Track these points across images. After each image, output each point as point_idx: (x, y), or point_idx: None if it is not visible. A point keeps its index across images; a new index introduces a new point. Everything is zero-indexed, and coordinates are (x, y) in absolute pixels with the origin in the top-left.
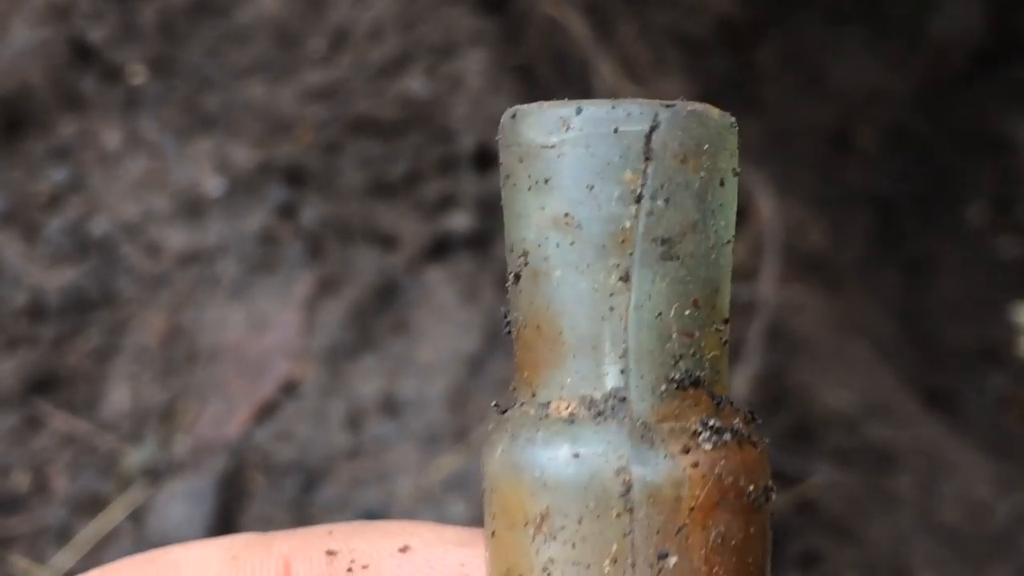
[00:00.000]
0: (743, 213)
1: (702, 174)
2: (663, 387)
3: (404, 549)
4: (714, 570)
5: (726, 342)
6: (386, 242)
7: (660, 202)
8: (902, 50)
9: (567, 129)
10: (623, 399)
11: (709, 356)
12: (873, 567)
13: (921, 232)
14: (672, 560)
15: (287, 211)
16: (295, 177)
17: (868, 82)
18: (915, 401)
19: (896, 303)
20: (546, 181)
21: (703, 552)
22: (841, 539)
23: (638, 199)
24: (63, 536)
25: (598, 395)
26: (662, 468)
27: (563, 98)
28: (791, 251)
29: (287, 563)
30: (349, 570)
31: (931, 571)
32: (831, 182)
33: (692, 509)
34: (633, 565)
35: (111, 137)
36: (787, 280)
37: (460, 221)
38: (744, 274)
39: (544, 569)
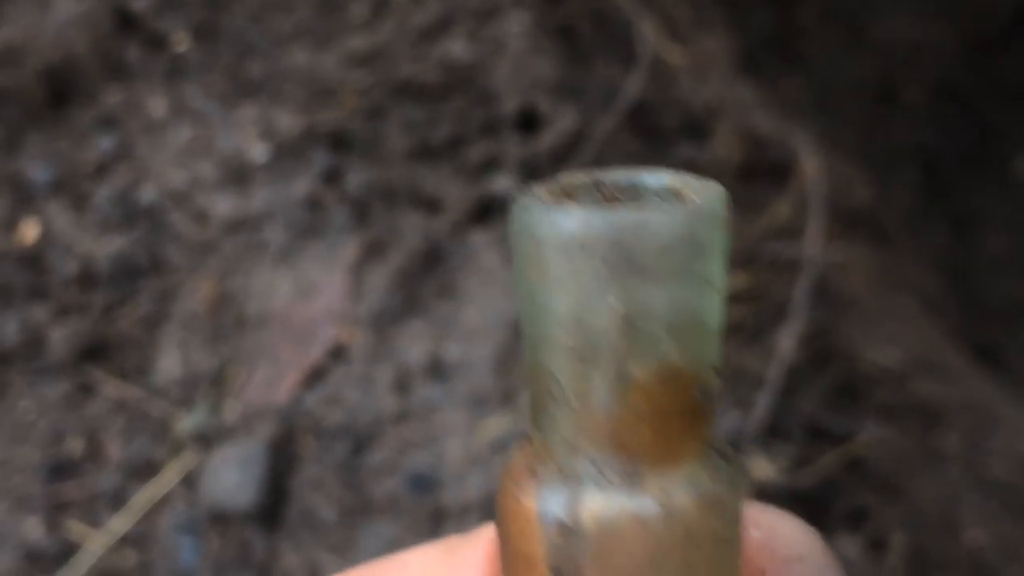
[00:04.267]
0: (789, 171)
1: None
2: None
3: None
4: None
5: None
6: (431, 206)
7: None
8: (947, 4)
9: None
10: None
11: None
12: (921, 523)
13: (967, 186)
14: None
15: (332, 176)
16: (340, 142)
17: (913, 36)
18: (962, 356)
19: (942, 258)
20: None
21: None
22: (889, 496)
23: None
24: (117, 500)
25: None
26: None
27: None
28: (836, 207)
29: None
30: None
31: (980, 526)
32: (876, 138)
33: None
34: None
35: (156, 105)
36: (833, 237)
37: (504, 183)
38: (789, 232)
39: None
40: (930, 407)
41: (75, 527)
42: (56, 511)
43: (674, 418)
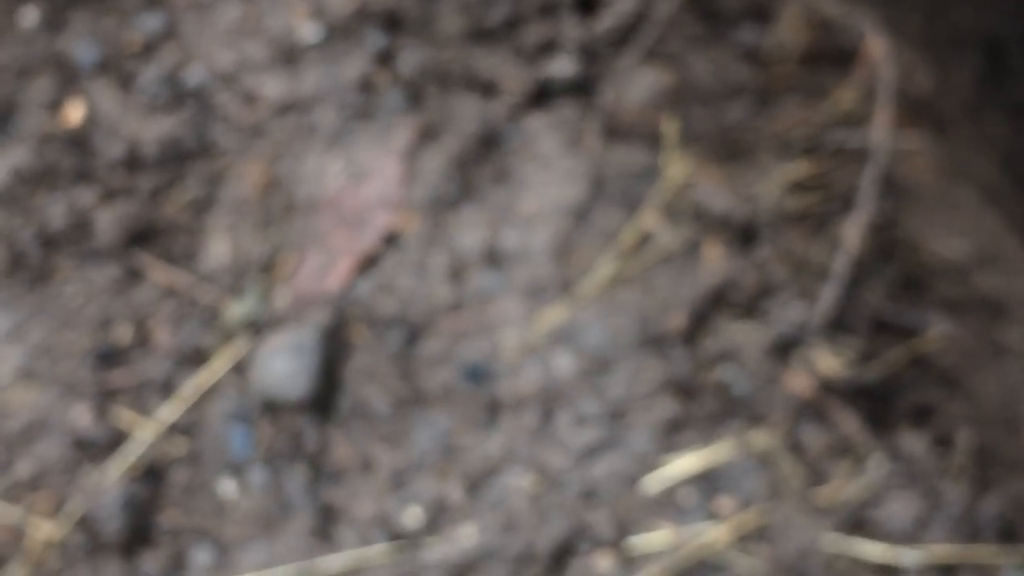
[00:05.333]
0: (854, 56)
1: None
2: None
3: None
4: None
5: None
6: (487, 89)
7: None
8: None
9: None
10: None
11: None
12: (984, 420)
13: None
14: None
15: (385, 57)
16: (393, 22)
17: None
18: None
19: (1002, 148)
20: None
21: None
22: (952, 391)
23: None
24: (167, 388)
25: None
26: None
27: None
28: (899, 94)
29: None
30: None
31: None
32: (938, 22)
33: None
34: None
35: None
36: (895, 125)
37: (563, 67)
38: (854, 119)
39: None
40: (994, 301)
41: (124, 415)
42: (104, 398)
43: None
